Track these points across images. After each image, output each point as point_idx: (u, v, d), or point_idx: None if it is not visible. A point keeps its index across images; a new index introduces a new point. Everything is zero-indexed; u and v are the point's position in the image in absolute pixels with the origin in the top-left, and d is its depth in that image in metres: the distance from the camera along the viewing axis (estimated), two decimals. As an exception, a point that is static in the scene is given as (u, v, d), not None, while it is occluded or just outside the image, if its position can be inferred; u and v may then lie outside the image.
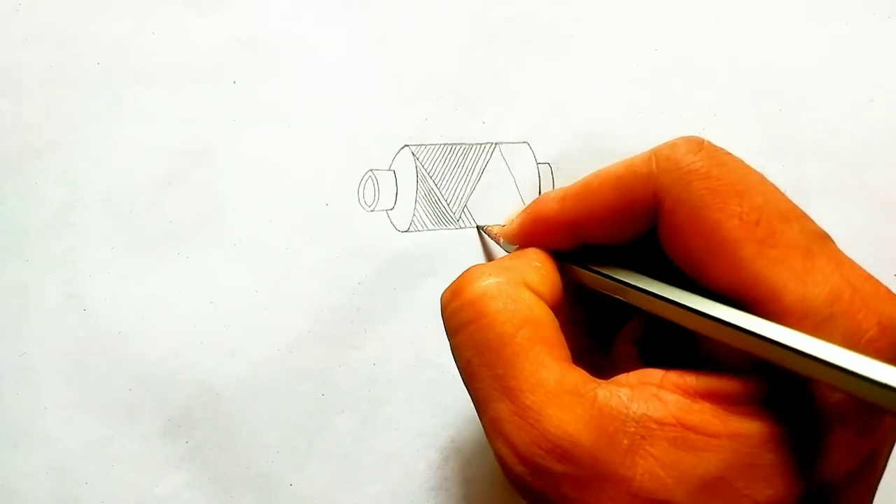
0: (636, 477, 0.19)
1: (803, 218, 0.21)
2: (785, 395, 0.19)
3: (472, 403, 0.22)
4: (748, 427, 0.19)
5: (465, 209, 0.30)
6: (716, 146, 0.22)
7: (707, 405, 0.19)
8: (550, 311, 0.22)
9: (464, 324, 0.22)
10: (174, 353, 0.28)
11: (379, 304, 0.29)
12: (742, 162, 0.21)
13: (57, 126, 0.27)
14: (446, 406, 0.30)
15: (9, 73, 0.27)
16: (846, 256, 0.20)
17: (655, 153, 0.22)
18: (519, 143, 0.31)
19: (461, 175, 0.30)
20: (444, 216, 0.30)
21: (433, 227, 0.30)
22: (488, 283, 0.22)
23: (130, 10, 0.28)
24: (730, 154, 0.21)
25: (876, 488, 0.21)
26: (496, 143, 0.31)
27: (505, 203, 0.31)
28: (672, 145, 0.22)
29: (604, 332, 0.27)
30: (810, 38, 0.34)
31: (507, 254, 0.28)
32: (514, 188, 0.31)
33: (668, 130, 0.32)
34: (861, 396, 0.17)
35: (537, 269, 0.23)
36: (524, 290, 0.22)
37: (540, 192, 0.31)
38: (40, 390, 0.27)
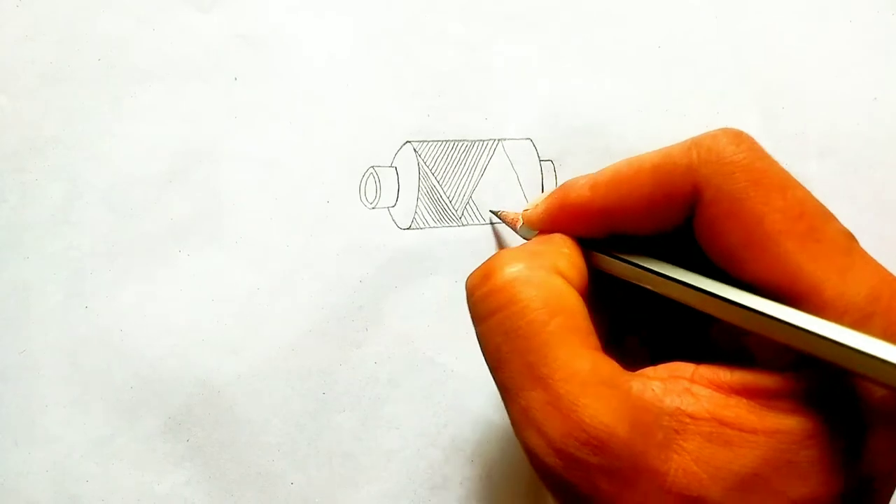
0: (670, 471, 0.18)
1: (834, 218, 0.21)
2: (824, 392, 0.19)
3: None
4: (786, 423, 0.18)
5: (468, 206, 0.30)
6: (754, 140, 0.21)
7: (742, 400, 0.19)
8: (581, 300, 0.21)
9: (493, 310, 0.21)
10: (175, 351, 0.28)
11: (380, 303, 0.29)
12: (775, 159, 0.21)
13: (57, 123, 0.27)
14: (447, 405, 0.29)
15: (9, 70, 0.27)
16: (872, 257, 0.20)
17: (696, 143, 0.21)
18: (522, 139, 0.31)
19: (464, 172, 0.30)
20: (446, 213, 0.30)
21: (435, 225, 0.30)
22: (519, 268, 0.21)
23: (131, 6, 0.28)
24: (765, 150, 0.21)
25: None
26: (499, 140, 0.31)
27: (508, 200, 0.31)
28: (713, 136, 0.21)
29: (615, 326, 0.26)
30: (814, 35, 0.34)
31: (524, 241, 0.27)
32: (517, 185, 0.31)
33: (671, 128, 0.32)
34: None
35: (566, 255, 0.23)
36: (556, 276, 0.21)
37: (542, 190, 0.31)
38: (41, 388, 0.27)
